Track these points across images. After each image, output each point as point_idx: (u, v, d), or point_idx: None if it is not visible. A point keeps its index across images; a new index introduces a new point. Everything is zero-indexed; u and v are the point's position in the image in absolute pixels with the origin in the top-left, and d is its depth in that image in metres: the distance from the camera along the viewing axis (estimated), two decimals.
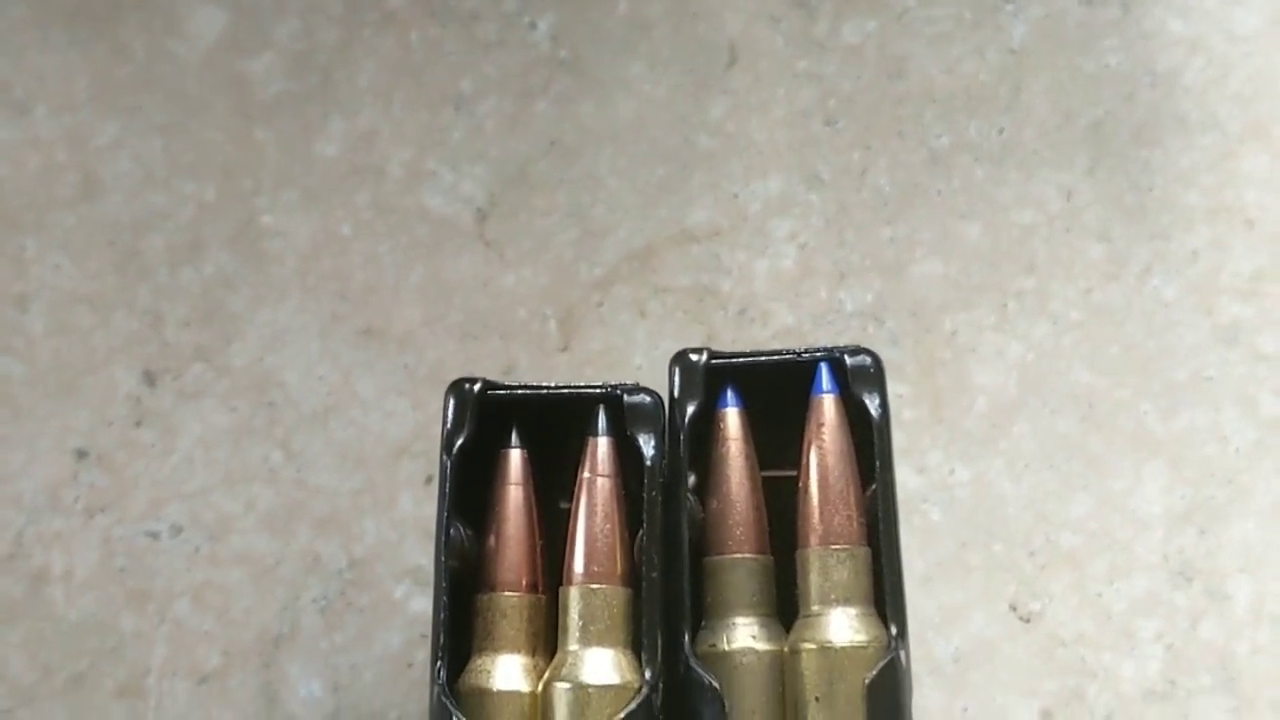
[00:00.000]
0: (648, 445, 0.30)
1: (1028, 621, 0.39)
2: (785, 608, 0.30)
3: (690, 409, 0.30)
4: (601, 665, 0.29)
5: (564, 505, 0.31)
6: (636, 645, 0.29)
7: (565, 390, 0.31)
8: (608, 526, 0.29)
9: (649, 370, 0.36)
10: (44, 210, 0.43)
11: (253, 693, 0.39)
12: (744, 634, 0.29)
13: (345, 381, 0.42)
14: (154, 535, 0.40)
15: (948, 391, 0.41)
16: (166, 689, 0.39)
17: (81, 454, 0.41)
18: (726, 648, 0.29)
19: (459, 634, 0.30)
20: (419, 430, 0.41)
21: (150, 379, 0.42)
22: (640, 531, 0.30)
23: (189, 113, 0.44)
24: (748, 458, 0.30)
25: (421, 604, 0.40)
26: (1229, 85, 0.44)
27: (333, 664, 0.39)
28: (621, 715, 0.28)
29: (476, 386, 0.30)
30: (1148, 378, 0.41)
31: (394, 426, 0.41)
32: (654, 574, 0.29)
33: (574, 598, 0.29)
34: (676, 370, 0.30)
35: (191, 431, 0.41)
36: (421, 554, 0.40)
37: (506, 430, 0.31)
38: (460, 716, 0.28)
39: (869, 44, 0.45)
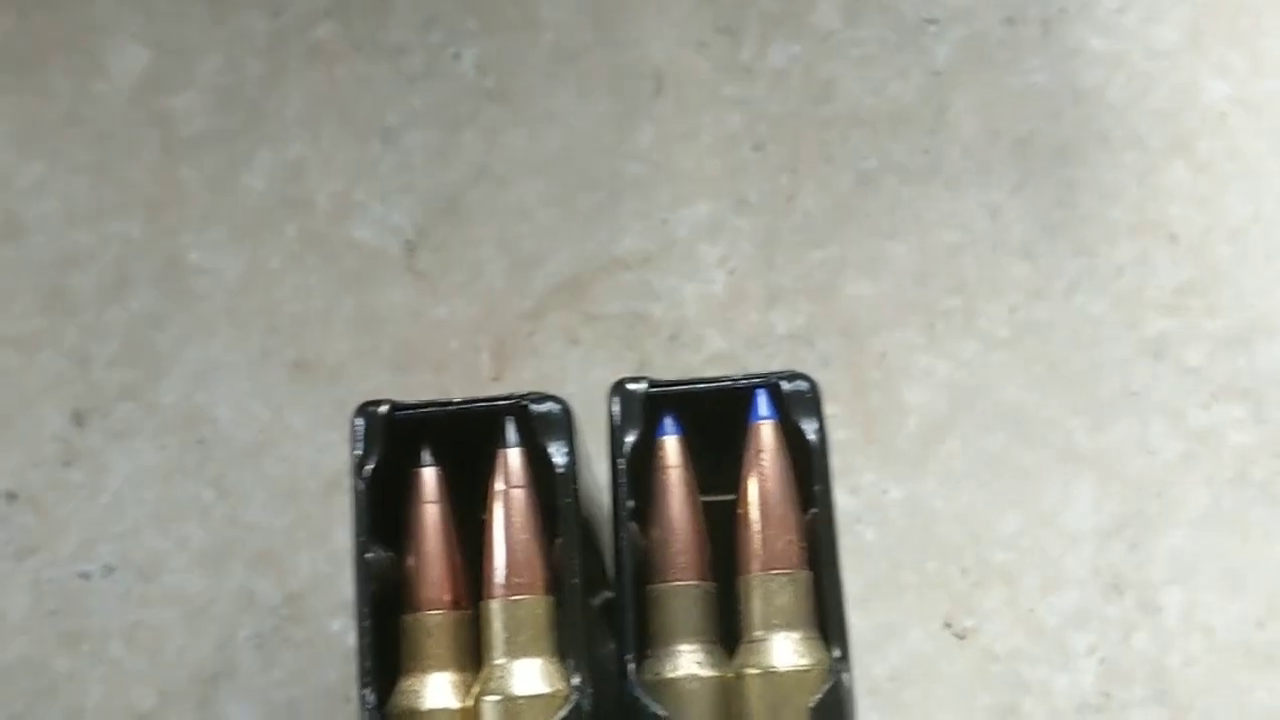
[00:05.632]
0: (558, 453, 0.30)
1: (962, 638, 0.40)
2: (726, 632, 0.30)
3: (630, 438, 0.30)
4: (529, 675, 0.29)
5: (483, 518, 0.31)
6: (563, 653, 0.29)
7: (472, 404, 0.31)
8: (524, 537, 0.30)
9: (581, 397, 0.36)
10: None
11: None
12: (688, 661, 0.29)
13: (277, 416, 0.42)
14: (86, 576, 0.40)
15: (879, 411, 0.42)
16: None
17: (11, 496, 0.41)
18: (671, 675, 0.29)
19: (385, 658, 0.30)
20: None
21: (79, 418, 0.42)
22: (557, 539, 0.30)
23: (113, 151, 0.44)
24: (688, 485, 0.30)
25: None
26: (1150, 102, 0.45)
27: (270, 700, 0.39)
28: None
29: (384, 408, 0.31)
30: (1075, 393, 0.42)
31: (326, 460, 0.41)
32: (574, 580, 0.29)
33: (496, 610, 0.29)
34: (616, 400, 0.31)
35: (121, 471, 0.41)
36: None
37: (418, 449, 0.31)
38: None
39: (795, 68, 0.45)
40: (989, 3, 0.45)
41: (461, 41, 0.45)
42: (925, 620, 0.40)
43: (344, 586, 0.40)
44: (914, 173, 0.44)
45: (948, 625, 0.40)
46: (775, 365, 0.42)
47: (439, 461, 0.31)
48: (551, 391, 0.41)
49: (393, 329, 0.43)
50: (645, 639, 0.30)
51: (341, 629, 0.40)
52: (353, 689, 0.40)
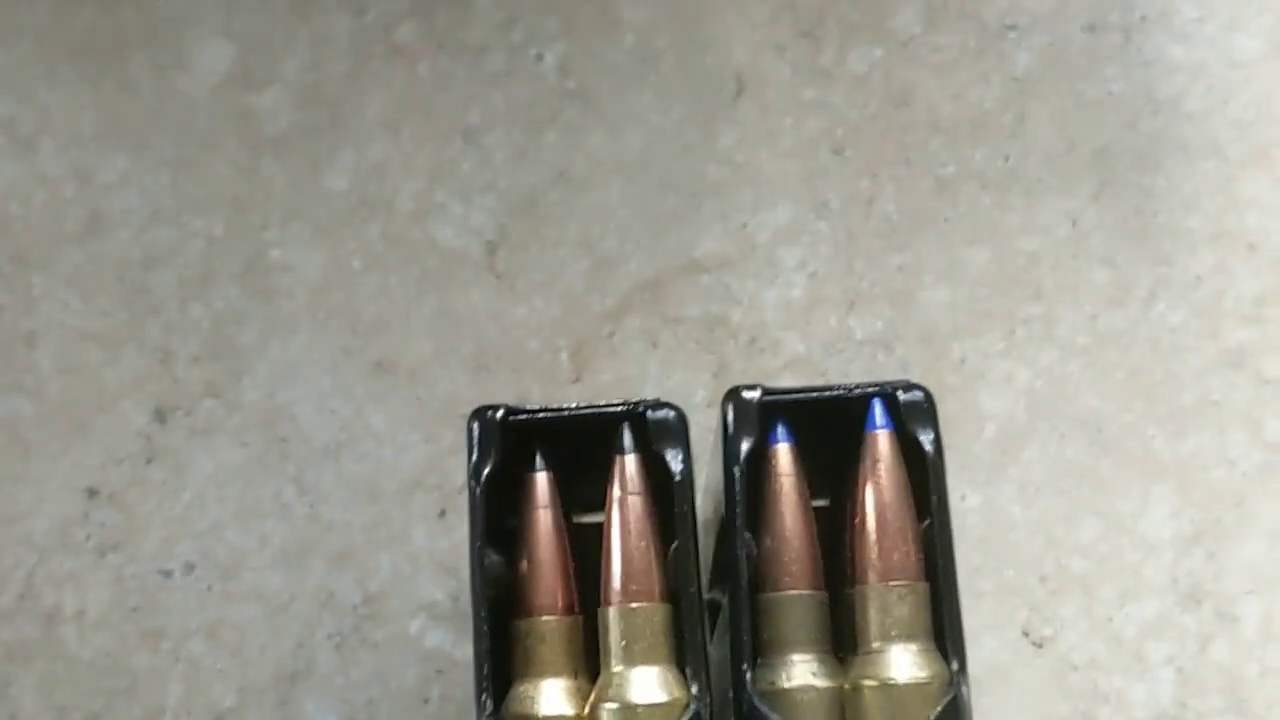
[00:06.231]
0: (675, 460, 0.30)
1: (1040, 646, 0.40)
2: (836, 643, 0.30)
3: (745, 446, 0.30)
4: (648, 684, 0.29)
5: (578, 521, 0.31)
6: (681, 661, 0.29)
7: (588, 410, 0.31)
8: (642, 544, 0.30)
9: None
10: (51, 246, 0.43)
11: None
12: (803, 671, 0.29)
13: (357, 415, 0.42)
14: (167, 573, 0.40)
15: (957, 418, 0.42)
16: None
17: (92, 492, 0.41)
18: (786, 685, 0.29)
19: (496, 663, 0.30)
20: (431, 463, 0.41)
21: (161, 416, 0.42)
22: (673, 545, 0.30)
23: (197, 147, 0.44)
24: (800, 493, 0.30)
25: (437, 639, 0.40)
26: (1229, 111, 0.44)
27: (349, 700, 0.39)
28: None
29: (499, 413, 0.31)
30: (1154, 402, 0.42)
31: (407, 460, 0.41)
32: (692, 588, 0.29)
33: (614, 618, 0.29)
34: (730, 408, 0.30)
35: (203, 468, 0.41)
36: (436, 588, 0.40)
37: (523, 454, 0.31)
38: None
39: (875, 73, 0.45)
40: (1070, 10, 0.45)
41: (543, 42, 0.45)
42: (1003, 628, 0.40)
43: (423, 588, 0.40)
44: (993, 179, 0.44)
45: (1025, 634, 0.40)
46: (854, 371, 0.42)
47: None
48: (630, 393, 0.41)
49: (472, 330, 0.42)
50: (757, 648, 0.30)
51: (420, 631, 0.40)
52: (431, 690, 0.40)
